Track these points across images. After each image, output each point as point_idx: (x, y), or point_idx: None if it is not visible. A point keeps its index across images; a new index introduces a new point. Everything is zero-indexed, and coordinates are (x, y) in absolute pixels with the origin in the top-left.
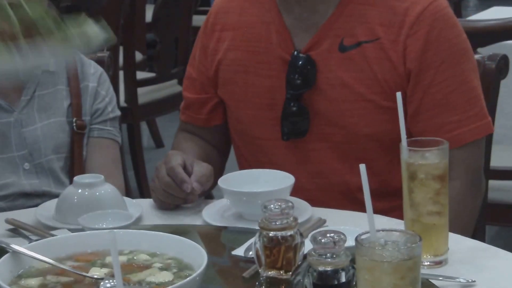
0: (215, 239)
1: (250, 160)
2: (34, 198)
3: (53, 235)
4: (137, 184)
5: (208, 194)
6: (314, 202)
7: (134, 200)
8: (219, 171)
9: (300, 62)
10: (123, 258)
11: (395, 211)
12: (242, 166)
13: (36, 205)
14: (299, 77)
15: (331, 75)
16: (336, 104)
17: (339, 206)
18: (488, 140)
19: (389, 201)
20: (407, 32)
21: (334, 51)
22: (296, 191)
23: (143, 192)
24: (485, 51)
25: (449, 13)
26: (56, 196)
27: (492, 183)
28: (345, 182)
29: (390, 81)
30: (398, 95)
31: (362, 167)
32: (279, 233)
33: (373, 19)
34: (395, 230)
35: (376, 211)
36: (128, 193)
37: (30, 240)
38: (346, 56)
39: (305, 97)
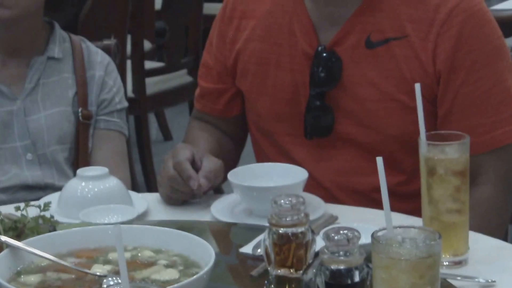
0: (224, 236)
1: (269, 155)
2: (36, 190)
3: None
4: (144, 178)
5: (218, 188)
6: (333, 201)
7: (140, 194)
8: (234, 162)
9: (324, 55)
10: (126, 255)
11: (418, 212)
12: (260, 160)
13: (38, 198)
14: (323, 70)
15: (357, 72)
16: (361, 103)
17: (360, 206)
18: None
19: (413, 202)
20: (438, 30)
21: (361, 47)
22: (315, 189)
23: (150, 186)
24: (509, 42)
25: (483, 9)
26: (59, 189)
27: None
28: (368, 182)
29: (419, 81)
30: (417, 86)
31: (379, 160)
32: (289, 230)
33: (401, 15)
34: (413, 227)
35: (400, 211)
36: (135, 187)
37: None
38: (373, 53)
39: (330, 95)
